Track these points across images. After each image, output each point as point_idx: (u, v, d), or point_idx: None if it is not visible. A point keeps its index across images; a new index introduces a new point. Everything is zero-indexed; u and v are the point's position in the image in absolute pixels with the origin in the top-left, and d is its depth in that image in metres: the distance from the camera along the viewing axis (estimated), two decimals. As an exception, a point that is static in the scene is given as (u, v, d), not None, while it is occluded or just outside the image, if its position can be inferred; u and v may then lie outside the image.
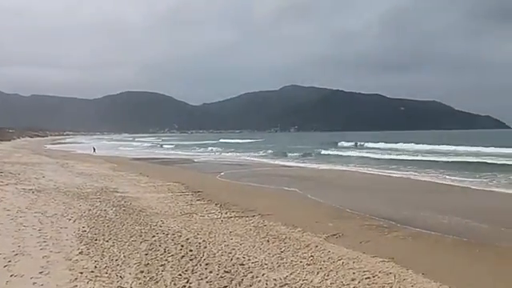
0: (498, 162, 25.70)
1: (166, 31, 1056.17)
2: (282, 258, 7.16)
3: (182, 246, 7.74)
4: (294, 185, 18.07)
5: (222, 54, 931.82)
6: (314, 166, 29.43)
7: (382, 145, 53.79)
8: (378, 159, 33.30)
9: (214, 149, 56.21)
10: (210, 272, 6.39)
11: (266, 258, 7.16)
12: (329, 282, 6.10)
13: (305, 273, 6.45)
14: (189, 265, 6.68)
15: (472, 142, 49.41)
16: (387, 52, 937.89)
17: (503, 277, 6.79)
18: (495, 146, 39.35)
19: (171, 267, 6.55)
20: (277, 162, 33.35)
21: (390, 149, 47.31)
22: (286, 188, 17.35)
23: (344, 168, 27.33)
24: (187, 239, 8.22)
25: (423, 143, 51.29)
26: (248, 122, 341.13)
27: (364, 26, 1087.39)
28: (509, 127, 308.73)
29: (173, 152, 52.29)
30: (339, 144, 62.31)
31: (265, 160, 35.36)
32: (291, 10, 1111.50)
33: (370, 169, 26.01)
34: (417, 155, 35.82)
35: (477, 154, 34.90)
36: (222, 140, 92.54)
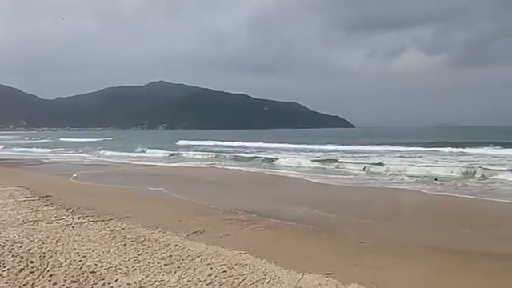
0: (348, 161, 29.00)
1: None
2: (139, 261, 6.85)
3: (22, 257, 6.80)
4: (157, 184, 17.62)
5: (82, 45, 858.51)
6: (175, 164, 29.22)
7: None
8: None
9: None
10: (54, 284, 5.75)
11: (121, 262, 6.76)
12: (186, 280, 6.04)
13: (162, 273, 6.28)
14: (29, 278, 5.90)
15: (327, 140, 55.70)
16: (254, 54, 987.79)
17: (345, 256, 7.68)
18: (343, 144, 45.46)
19: (6, 283, 5.70)
20: (136, 161, 32.17)
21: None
22: (150, 188, 16.79)
23: (209, 165, 27.78)
24: (29, 250, 7.26)
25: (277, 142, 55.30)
26: (111, 119, 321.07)
27: (233, 28, 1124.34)
28: (353, 126, 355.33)
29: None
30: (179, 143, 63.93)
31: (125, 160, 33.59)
32: (161, 6, 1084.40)
33: (232, 166, 26.99)
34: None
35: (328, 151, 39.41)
36: (62, 139, 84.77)
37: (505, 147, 34.60)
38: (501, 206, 13.20)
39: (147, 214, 11.15)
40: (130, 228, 9.27)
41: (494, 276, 6.81)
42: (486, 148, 36.34)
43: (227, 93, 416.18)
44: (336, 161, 27.46)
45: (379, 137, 71.70)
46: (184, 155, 37.02)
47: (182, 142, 65.11)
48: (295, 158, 29.76)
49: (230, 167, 26.77)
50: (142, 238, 8.38)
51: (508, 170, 19.91)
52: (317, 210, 12.08)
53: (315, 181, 19.53)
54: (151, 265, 6.70)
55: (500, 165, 23.43)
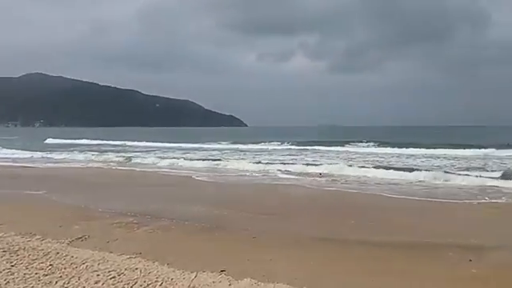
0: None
1: None
2: (13, 273, 6.11)
3: None
4: (34, 186, 15.91)
5: None
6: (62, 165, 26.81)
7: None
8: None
9: None
10: None
11: (-10, 276, 5.95)
12: (69, 290, 5.57)
13: (40, 285, 5.69)
14: None
15: (220, 138, 56.22)
16: (145, 49, 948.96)
17: (238, 252, 7.83)
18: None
19: None
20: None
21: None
22: (26, 191, 15.06)
23: (98, 165, 26.02)
24: None
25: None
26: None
27: (123, 20, 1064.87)
28: (247, 125, 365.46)
29: None
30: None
31: None
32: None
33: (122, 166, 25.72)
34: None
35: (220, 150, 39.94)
36: None
37: (381, 146, 39.26)
38: (375, 198, 14.88)
39: (23, 220, 9.99)
40: (1, 237, 8.20)
41: (367, 262, 7.61)
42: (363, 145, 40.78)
43: (115, 88, 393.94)
44: (222, 159, 28.03)
45: (272, 135, 74.72)
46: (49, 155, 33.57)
47: (50, 141, 59.35)
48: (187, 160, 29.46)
49: (120, 167, 25.44)
50: (16, 248, 7.48)
51: (373, 167, 22.38)
52: (209, 208, 12.16)
53: (204, 179, 19.67)
54: (28, 276, 6.02)
55: (370, 162, 26.54)
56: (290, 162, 26.81)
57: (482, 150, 32.03)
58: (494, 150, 31.55)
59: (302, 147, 41.45)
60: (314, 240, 8.99)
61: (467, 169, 21.83)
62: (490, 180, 17.08)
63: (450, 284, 6.51)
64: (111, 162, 28.60)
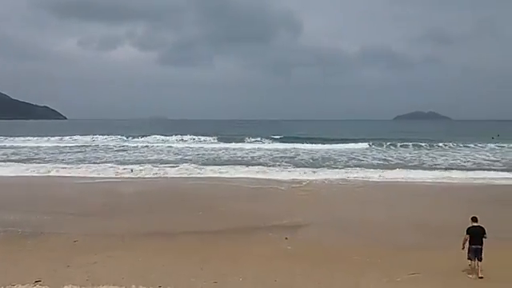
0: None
1: None
2: None
3: None
4: None
5: None
6: None
7: None
8: None
9: None
10: None
11: None
12: None
13: None
14: None
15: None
16: None
17: (57, 258, 7.06)
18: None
19: None
20: None
21: None
22: None
23: None
24: None
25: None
26: None
27: None
28: (66, 118, 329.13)
29: None
30: None
31: None
32: None
33: None
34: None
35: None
36: None
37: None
38: (200, 187, 15.35)
39: None
40: None
41: (195, 251, 7.82)
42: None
43: None
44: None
45: (95, 129, 68.89)
46: None
47: None
48: None
49: None
50: None
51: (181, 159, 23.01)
52: (26, 212, 10.61)
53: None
54: None
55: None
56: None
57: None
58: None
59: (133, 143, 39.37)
60: (139, 236, 8.76)
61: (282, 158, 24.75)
62: (299, 169, 19.52)
63: (269, 261, 7.22)
64: None
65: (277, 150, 30.42)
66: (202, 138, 40.45)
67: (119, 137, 41.91)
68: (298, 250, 7.96)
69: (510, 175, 17.93)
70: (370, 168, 20.15)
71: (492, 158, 25.57)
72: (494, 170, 20.24)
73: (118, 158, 24.87)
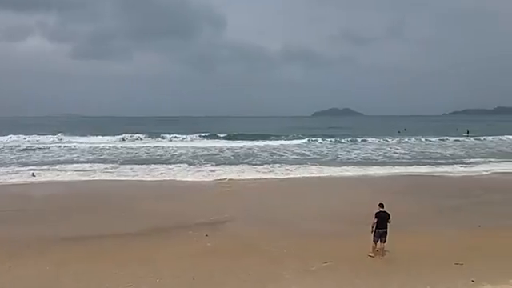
0: None
1: None
2: None
3: None
4: None
5: None
6: None
7: None
8: None
9: None
10: None
11: None
12: None
13: None
14: None
15: None
16: None
17: None
18: None
19: None
20: None
21: None
22: None
23: None
24: None
25: None
26: None
27: None
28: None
29: None
30: None
31: None
32: None
33: None
34: None
35: None
36: None
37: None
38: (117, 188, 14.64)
39: None
40: None
41: (110, 254, 7.42)
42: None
43: None
44: None
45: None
46: None
47: None
48: None
49: None
50: None
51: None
52: None
53: None
54: None
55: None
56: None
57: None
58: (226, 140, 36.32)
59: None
60: (47, 243, 8.10)
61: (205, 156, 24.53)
62: (220, 167, 19.47)
63: (189, 260, 7.11)
64: None
65: (199, 147, 30.08)
66: (115, 138, 38.12)
67: (24, 137, 37.96)
68: (217, 246, 7.93)
69: (418, 167, 19.62)
70: (292, 164, 20.68)
71: (401, 151, 27.91)
72: (403, 161, 22.17)
73: (21, 160, 22.66)
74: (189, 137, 39.62)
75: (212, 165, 20.37)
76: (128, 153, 26.83)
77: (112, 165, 20.11)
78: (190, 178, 16.53)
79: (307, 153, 26.97)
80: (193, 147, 30.31)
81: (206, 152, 26.90)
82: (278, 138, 38.38)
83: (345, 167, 19.47)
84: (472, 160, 22.32)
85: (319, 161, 22.27)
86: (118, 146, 31.53)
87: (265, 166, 20.03)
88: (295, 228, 9.31)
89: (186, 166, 19.88)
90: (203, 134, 42.18)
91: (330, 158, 24.29)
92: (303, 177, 16.98)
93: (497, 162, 21.61)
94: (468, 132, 45.22)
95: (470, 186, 14.74)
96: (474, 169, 18.98)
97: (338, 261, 6.99)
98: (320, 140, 36.02)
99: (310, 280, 6.27)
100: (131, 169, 18.71)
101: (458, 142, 35.55)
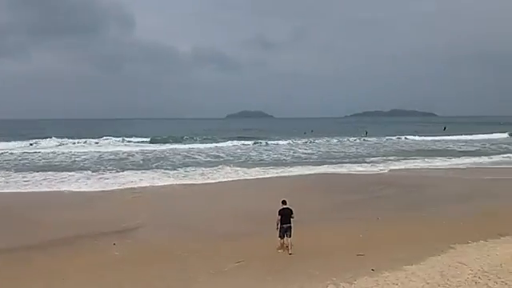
0: None
1: None
2: None
3: None
4: None
5: None
6: None
7: None
8: None
9: None
10: None
11: None
12: None
13: None
14: None
15: None
16: None
17: None
18: None
19: None
20: None
21: None
22: None
23: None
24: None
25: None
26: None
27: None
28: None
29: None
30: None
31: None
32: None
33: None
34: None
35: None
36: None
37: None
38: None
39: None
40: None
41: (2, 271, 6.65)
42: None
43: None
44: None
45: None
46: None
47: None
48: None
49: None
50: None
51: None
52: None
53: None
54: None
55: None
56: None
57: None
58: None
59: None
60: None
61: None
62: (127, 172, 18.53)
63: (96, 270, 6.67)
64: None
65: (105, 152, 28.44)
66: (12, 144, 34.37)
67: None
68: (126, 254, 7.56)
69: (324, 166, 20.72)
70: (207, 167, 20.38)
71: (309, 151, 29.32)
72: (311, 161, 23.27)
73: None
74: (92, 141, 36.79)
75: (118, 171, 19.02)
76: (23, 159, 24.32)
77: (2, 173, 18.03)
78: (94, 186, 15.34)
79: (221, 155, 27.02)
80: (98, 152, 28.53)
81: (112, 157, 25.45)
82: (191, 140, 37.81)
83: (257, 168, 19.81)
84: (372, 158, 24.18)
85: (233, 162, 22.42)
86: (13, 151, 28.37)
87: (178, 169, 19.50)
88: (208, 231, 9.25)
89: (90, 172, 18.44)
90: (108, 138, 39.39)
91: (243, 159, 24.56)
92: (217, 181, 16.78)
93: (394, 160, 23.69)
94: (366, 133, 49.15)
95: (370, 182, 15.94)
96: (373, 168, 20.56)
97: (250, 259, 7.09)
98: (234, 142, 36.40)
99: (223, 281, 6.26)
100: (23, 177, 16.89)
101: (358, 142, 38.55)
